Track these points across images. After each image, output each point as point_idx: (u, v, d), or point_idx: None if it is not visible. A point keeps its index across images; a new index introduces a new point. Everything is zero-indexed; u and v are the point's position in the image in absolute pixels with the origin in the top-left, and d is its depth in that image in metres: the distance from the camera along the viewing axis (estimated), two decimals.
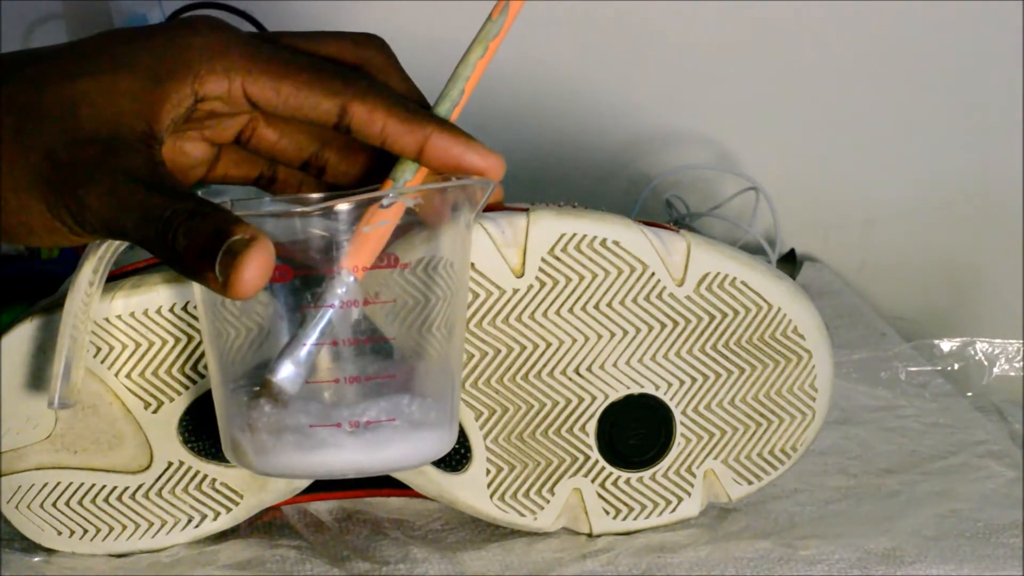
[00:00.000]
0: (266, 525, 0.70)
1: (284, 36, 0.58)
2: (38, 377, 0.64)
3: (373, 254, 0.54)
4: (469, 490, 0.68)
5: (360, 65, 0.58)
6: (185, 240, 0.49)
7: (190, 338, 0.65)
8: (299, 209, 0.55)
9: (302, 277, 0.54)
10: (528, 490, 0.69)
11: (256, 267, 0.49)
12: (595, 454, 0.69)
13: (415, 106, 0.56)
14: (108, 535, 0.67)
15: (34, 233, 0.54)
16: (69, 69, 0.54)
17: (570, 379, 0.68)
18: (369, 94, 0.55)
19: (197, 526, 0.68)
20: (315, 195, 0.58)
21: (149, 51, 0.55)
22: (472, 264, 0.65)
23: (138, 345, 0.65)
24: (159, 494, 0.67)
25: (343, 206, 0.53)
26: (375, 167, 0.59)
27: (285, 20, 1.15)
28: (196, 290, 0.58)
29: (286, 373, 0.53)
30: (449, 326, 0.56)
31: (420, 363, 0.56)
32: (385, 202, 0.54)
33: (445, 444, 0.56)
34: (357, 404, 0.54)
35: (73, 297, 0.59)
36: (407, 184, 0.56)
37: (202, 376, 0.65)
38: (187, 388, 0.66)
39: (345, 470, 0.54)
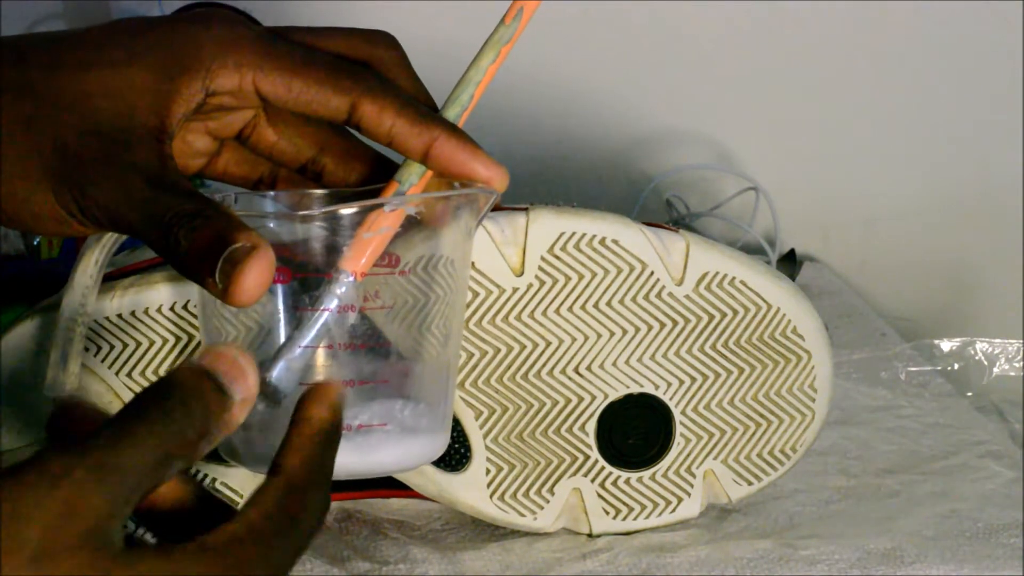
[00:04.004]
0: None
1: (293, 31, 0.58)
2: (39, 376, 0.64)
3: (372, 258, 0.54)
4: (469, 490, 0.68)
5: (369, 62, 0.58)
6: (187, 242, 0.49)
7: (190, 337, 0.65)
8: (301, 213, 0.54)
9: (300, 279, 0.53)
10: (528, 490, 0.69)
11: (256, 277, 0.48)
12: (595, 454, 0.69)
13: (425, 108, 0.56)
14: None
15: (40, 222, 0.54)
16: (84, 58, 0.54)
17: (570, 378, 0.68)
18: (379, 93, 0.55)
19: None
20: (318, 191, 0.58)
21: (163, 44, 0.54)
22: (472, 263, 0.65)
23: (138, 344, 0.65)
24: None
25: (346, 212, 0.53)
26: (372, 175, 0.59)
27: (284, 21, 1.15)
28: (196, 287, 0.58)
29: (281, 373, 0.53)
30: (446, 330, 0.56)
31: (415, 368, 0.56)
32: (387, 208, 0.53)
33: (436, 449, 0.56)
34: (350, 407, 0.54)
35: (74, 286, 0.59)
36: (412, 187, 0.56)
37: None
38: None
39: (335, 472, 0.54)
